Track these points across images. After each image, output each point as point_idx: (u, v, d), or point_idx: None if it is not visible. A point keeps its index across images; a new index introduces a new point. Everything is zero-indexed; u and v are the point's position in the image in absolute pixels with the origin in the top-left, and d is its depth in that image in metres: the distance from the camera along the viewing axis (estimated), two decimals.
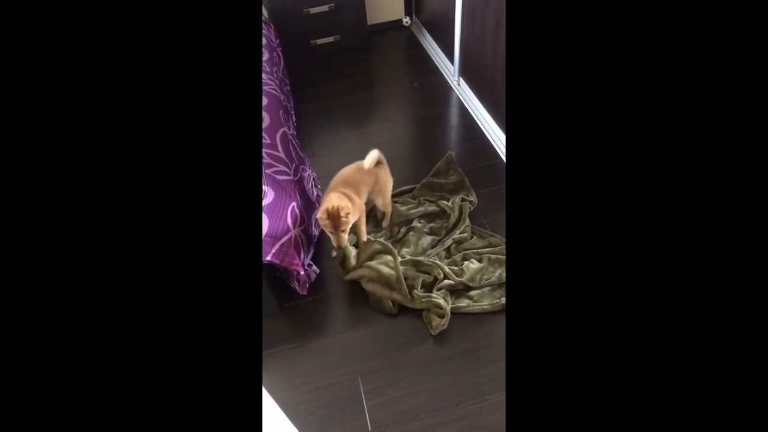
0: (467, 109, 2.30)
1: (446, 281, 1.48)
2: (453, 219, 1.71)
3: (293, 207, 1.45)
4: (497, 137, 2.05)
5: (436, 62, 2.70)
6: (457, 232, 1.66)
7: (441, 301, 1.41)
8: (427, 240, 1.66)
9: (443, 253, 1.61)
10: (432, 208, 1.77)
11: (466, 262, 1.54)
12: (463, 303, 1.46)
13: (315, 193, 1.83)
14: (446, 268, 1.51)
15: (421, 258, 1.56)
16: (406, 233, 1.68)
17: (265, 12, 2.63)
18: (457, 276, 1.49)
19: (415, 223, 1.71)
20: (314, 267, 1.57)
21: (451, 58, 2.47)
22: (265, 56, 2.13)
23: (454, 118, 2.31)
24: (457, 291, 1.50)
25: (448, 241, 1.64)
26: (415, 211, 1.75)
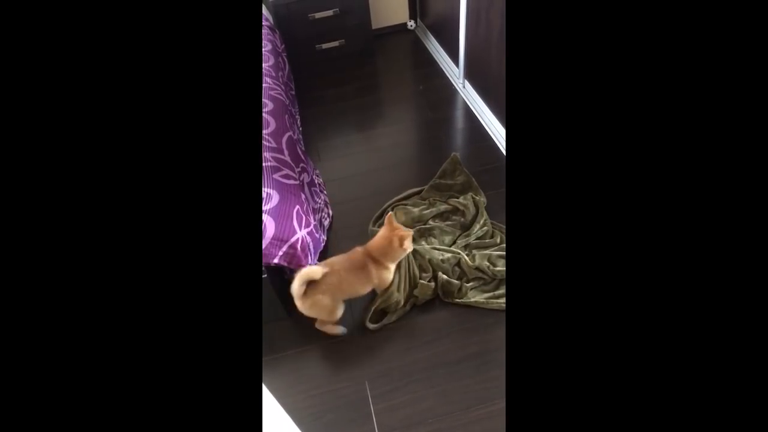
0: (473, 112, 2.29)
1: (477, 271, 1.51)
2: (470, 215, 1.70)
3: (298, 210, 1.45)
4: (503, 139, 2.04)
5: (441, 65, 2.70)
6: (477, 227, 1.65)
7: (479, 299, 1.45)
8: (447, 238, 1.65)
9: (464, 251, 1.60)
10: (444, 206, 1.76)
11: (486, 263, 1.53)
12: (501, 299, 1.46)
13: (323, 198, 1.82)
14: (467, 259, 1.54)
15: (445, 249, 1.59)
16: (424, 234, 1.68)
17: (270, 17, 2.64)
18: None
19: (431, 223, 1.71)
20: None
21: (456, 60, 2.47)
22: (271, 61, 2.13)
23: (459, 121, 2.31)
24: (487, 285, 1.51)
25: (471, 239, 1.63)
26: (428, 212, 1.74)
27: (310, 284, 1.29)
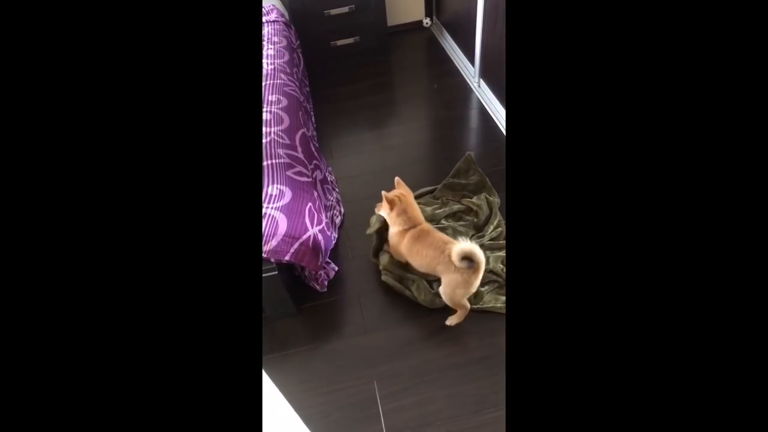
0: (487, 111, 2.27)
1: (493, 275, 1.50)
2: (483, 215, 1.68)
3: (310, 207, 1.45)
4: None
5: (456, 63, 2.68)
6: (491, 227, 1.64)
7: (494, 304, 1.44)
8: (460, 239, 1.64)
9: None
10: (457, 206, 1.75)
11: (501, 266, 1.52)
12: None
13: (335, 196, 1.82)
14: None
15: None
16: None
17: (285, 13, 2.64)
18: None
19: (443, 223, 1.69)
20: (332, 265, 1.57)
21: (471, 59, 2.45)
22: (286, 57, 2.13)
23: (474, 120, 2.29)
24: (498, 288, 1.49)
25: (484, 240, 1.61)
26: (440, 211, 1.73)
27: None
